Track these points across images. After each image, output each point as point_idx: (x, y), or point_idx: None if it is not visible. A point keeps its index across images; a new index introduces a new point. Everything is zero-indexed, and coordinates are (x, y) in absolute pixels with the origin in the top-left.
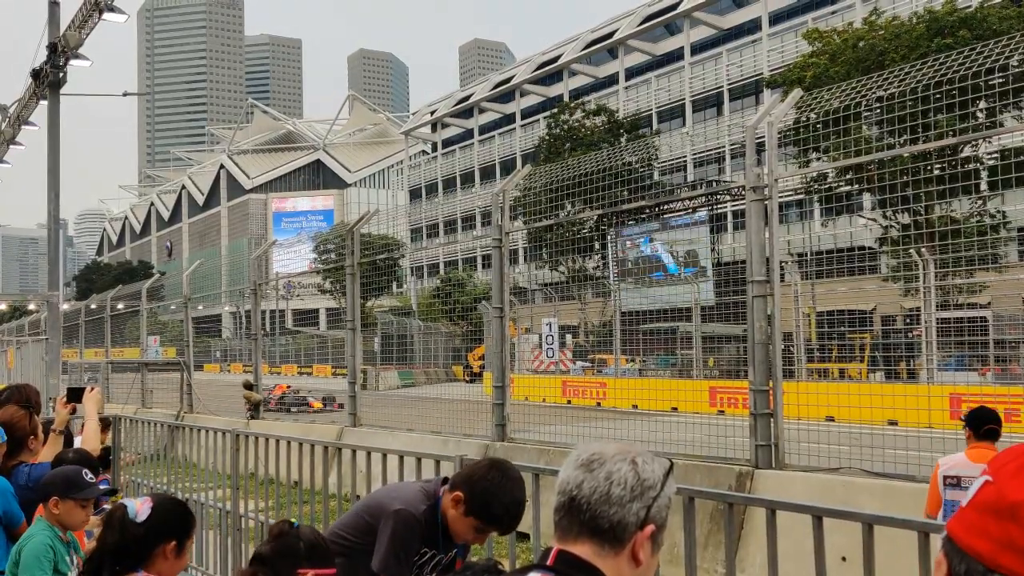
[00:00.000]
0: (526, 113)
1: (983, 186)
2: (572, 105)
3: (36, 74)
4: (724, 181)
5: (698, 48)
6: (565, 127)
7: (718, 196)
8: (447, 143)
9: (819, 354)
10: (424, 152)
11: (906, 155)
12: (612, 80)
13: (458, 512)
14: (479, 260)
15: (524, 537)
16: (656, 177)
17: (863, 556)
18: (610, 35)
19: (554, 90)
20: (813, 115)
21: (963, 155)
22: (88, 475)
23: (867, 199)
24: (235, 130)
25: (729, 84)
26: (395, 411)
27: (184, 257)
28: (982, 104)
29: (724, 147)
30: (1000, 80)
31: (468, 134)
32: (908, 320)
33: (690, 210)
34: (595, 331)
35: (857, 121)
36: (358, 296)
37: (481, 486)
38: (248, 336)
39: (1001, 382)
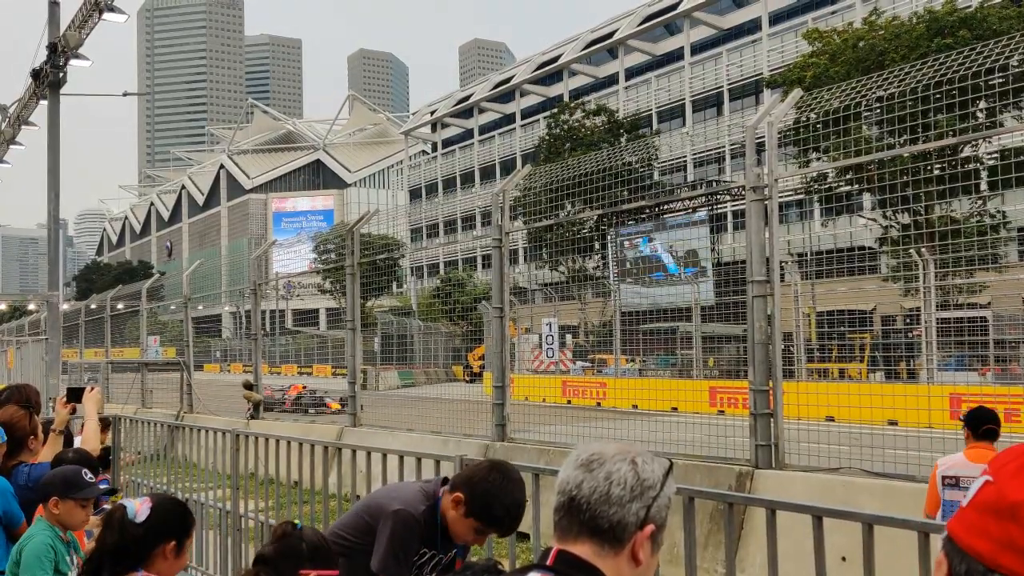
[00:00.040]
0: (526, 113)
1: (983, 186)
2: (572, 105)
3: (36, 74)
4: (724, 181)
5: (698, 48)
6: (565, 127)
7: (718, 196)
8: (447, 143)
9: (819, 354)
10: (424, 152)
11: (906, 155)
12: (612, 80)
13: (458, 513)
14: (479, 260)
15: (524, 537)
16: (656, 177)
17: (863, 556)
18: (610, 35)
19: (554, 90)
20: (813, 115)
21: (963, 155)
22: (88, 475)
23: (867, 199)
24: (235, 130)
25: (729, 84)
26: (395, 411)
27: (184, 257)
28: (982, 104)
29: (724, 147)
30: (1000, 80)
31: (468, 134)
32: (908, 320)
33: (690, 210)
34: (595, 331)
35: (857, 121)
36: (358, 296)
37: (482, 487)
38: (248, 336)
39: (1001, 382)
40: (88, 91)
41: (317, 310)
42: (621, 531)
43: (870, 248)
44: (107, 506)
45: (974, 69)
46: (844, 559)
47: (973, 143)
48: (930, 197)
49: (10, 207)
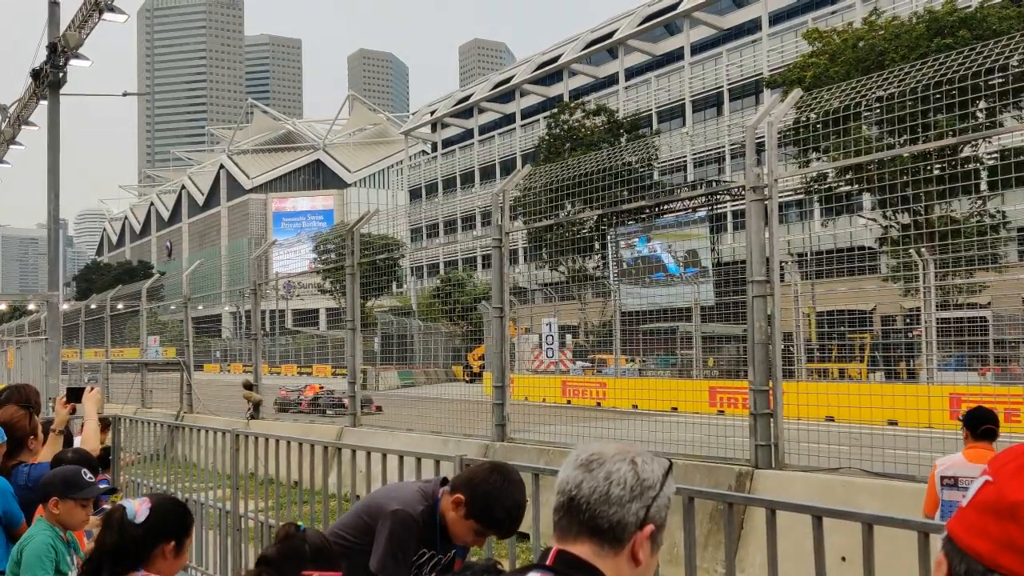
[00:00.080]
0: (526, 113)
1: (983, 186)
2: (572, 105)
3: (36, 74)
4: (724, 181)
5: (698, 48)
6: (565, 127)
7: (718, 196)
8: (447, 143)
9: (819, 354)
10: (424, 152)
11: (906, 155)
12: (612, 80)
13: (459, 515)
14: (479, 260)
15: (524, 537)
16: (656, 177)
17: (863, 556)
18: (610, 35)
19: (554, 90)
20: (813, 115)
21: (963, 155)
22: (87, 475)
23: (867, 199)
24: (235, 130)
25: (729, 84)
26: (395, 411)
27: (184, 257)
28: (982, 104)
29: (724, 147)
30: (1000, 80)
31: (468, 134)
32: (908, 320)
33: (690, 210)
34: (595, 331)
35: (857, 121)
36: (358, 296)
37: (483, 489)
38: (248, 336)
39: (1001, 382)
40: (88, 91)
41: (317, 310)
42: (621, 531)
43: (870, 248)
44: (107, 506)
45: (974, 69)
46: (844, 559)
47: (973, 143)
48: (930, 197)
49: (10, 207)
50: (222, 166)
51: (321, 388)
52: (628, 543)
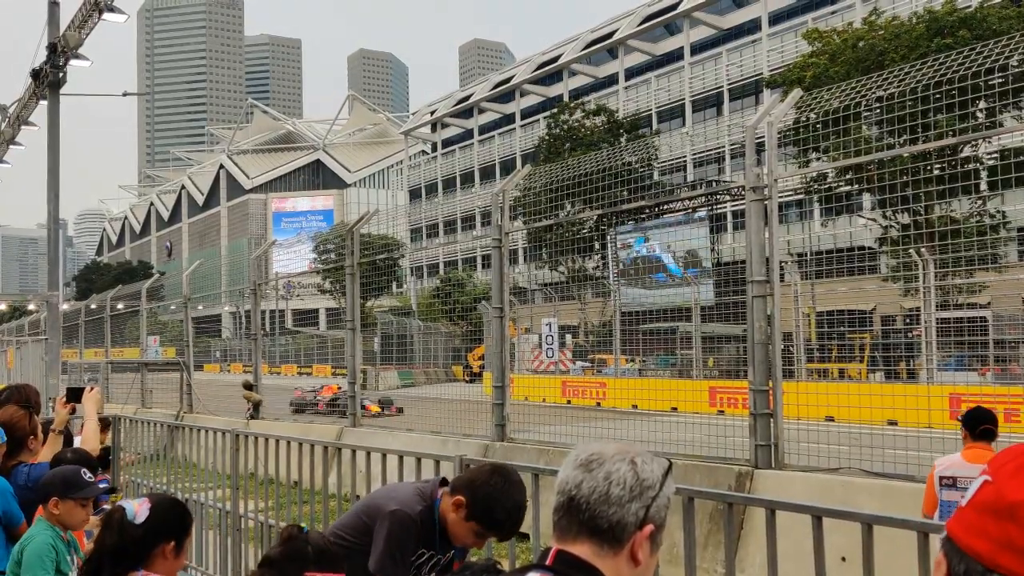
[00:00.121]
0: (526, 113)
1: (983, 186)
2: (572, 105)
3: (36, 74)
4: (724, 181)
5: (698, 48)
6: (565, 127)
7: (718, 196)
8: (447, 143)
9: (819, 354)
10: (424, 152)
11: (906, 155)
12: (612, 80)
13: (459, 516)
14: (479, 260)
15: (524, 537)
16: (656, 177)
17: (862, 556)
18: (610, 35)
19: (554, 90)
20: (813, 115)
21: (963, 155)
22: (87, 474)
23: (867, 199)
24: (235, 130)
25: (729, 84)
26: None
27: (184, 257)
28: (982, 104)
29: (724, 147)
30: (1000, 80)
31: (468, 134)
32: (908, 320)
33: (690, 210)
34: (595, 331)
35: (857, 121)
36: (358, 296)
37: (484, 491)
38: (248, 336)
39: (1001, 382)
40: (88, 91)
41: (317, 310)
42: (620, 531)
43: (870, 248)
44: (107, 506)
45: (974, 69)
46: (844, 559)
47: (973, 143)
48: (930, 197)
49: (10, 207)
50: (222, 166)
51: (339, 388)
52: (628, 543)
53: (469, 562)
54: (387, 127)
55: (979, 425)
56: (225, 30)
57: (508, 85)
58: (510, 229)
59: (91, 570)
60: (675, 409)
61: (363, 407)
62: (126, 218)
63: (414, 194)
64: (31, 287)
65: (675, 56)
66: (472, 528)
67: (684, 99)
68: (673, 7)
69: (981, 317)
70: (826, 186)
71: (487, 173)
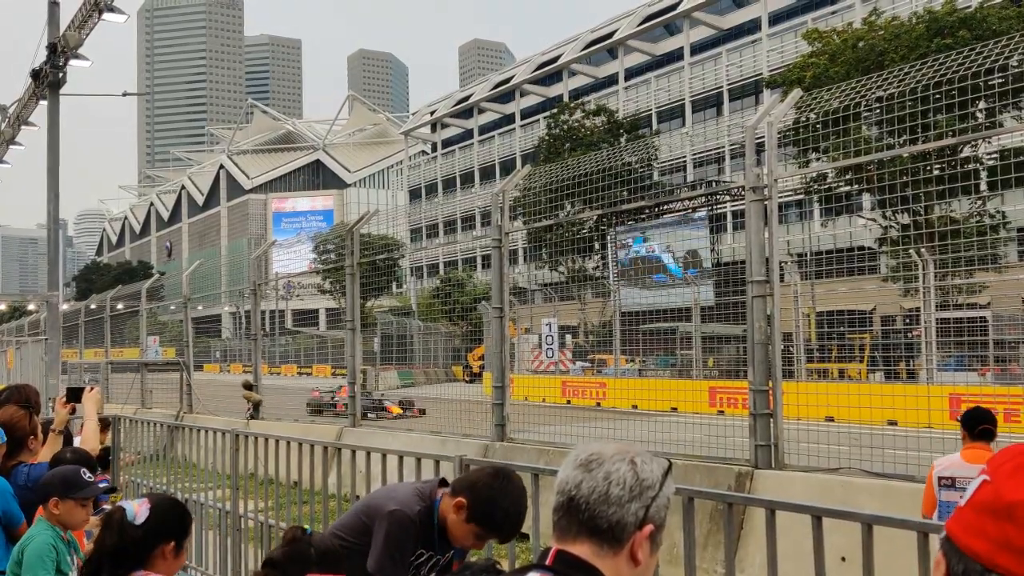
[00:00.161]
0: (526, 113)
1: (983, 186)
2: (572, 105)
3: (36, 74)
4: (724, 181)
5: (698, 48)
6: (565, 127)
7: (718, 196)
8: (447, 143)
9: (819, 354)
10: (424, 152)
11: (906, 155)
12: (612, 80)
13: (459, 518)
14: (479, 260)
15: (524, 537)
16: (656, 177)
17: (862, 556)
18: (610, 35)
19: (554, 90)
20: (813, 115)
21: (963, 155)
22: (87, 474)
23: (867, 199)
24: (235, 130)
25: (729, 84)
26: None
27: (184, 257)
28: (982, 104)
29: (724, 147)
30: (1000, 80)
31: (468, 134)
32: (908, 320)
33: (690, 210)
34: (595, 331)
35: (857, 121)
36: (358, 296)
37: (484, 493)
38: (248, 336)
39: (1001, 382)
40: (88, 91)
41: (317, 310)
42: (620, 531)
43: (870, 248)
44: (107, 506)
45: (974, 69)
46: (843, 559)
47: (973, 143)
48: (930, 197)
49: (10, 207)
50: (222, 166)
51: None
52: (627, 543)
53: (469, 562)
54: (387, 127)
55: (978, 425)
56: (225, 30)
57: (508, 85)
58: (510, 229)
59: (91, 570)
60: (675, 409)
61: (384, 408)
62: (126, 218)
63: (414, 194)
64: (31, 287)
65: (675, 56)
66: (472, 530)
67: (684, 99)
68: (673, 7)
69: (981, 317)
70: (826, 186)
71: (487, 173)
